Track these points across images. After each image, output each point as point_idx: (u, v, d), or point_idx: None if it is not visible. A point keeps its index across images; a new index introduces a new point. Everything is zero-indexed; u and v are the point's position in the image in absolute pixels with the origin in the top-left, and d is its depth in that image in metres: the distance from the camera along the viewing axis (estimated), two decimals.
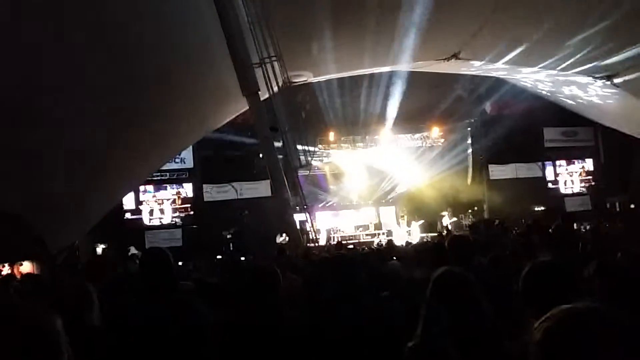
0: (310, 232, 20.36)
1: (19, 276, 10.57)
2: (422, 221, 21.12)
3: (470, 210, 21.58)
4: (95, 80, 9.87)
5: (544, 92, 19.38)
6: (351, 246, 16.18)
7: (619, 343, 1.13)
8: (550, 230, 8.27)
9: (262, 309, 3.60)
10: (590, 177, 25.06)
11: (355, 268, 4.12)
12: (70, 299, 3.87)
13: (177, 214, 21.31)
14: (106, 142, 11.82)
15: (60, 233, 13.33)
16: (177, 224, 21.22)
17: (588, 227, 14.14)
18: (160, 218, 21.15)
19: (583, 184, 25.03)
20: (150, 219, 21.06)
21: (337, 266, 4.10)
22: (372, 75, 18.92)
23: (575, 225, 11.27)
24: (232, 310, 4.03)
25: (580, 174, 25.06)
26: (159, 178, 20.72)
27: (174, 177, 21.34)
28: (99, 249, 18.32)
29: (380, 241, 18.16)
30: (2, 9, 7.13)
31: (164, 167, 19.64)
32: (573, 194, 24.83)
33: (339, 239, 18.33)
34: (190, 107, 13.13)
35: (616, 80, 14.79)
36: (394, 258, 7.45)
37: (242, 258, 11.93)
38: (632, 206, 20.85)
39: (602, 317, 1.19)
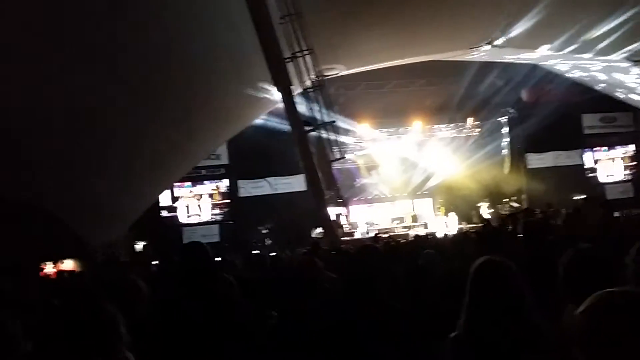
0: (345, 226, 20.38)
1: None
2: (459, 212, 20.92)
3: (507, 200, 21.27)
4: (133, 78, 10.04)
5: (581, 78, 18.96)
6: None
7: None
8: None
9: (304, 303, 3.60)
10: (631, 163, 24.42)
11: (386, 261, 4.11)
12: (125, 294, 3.97)
13: (215, 210, 21.53)
14: (144, 140, 12.03)
15: (100, 231, 13.61)
16: (215, 220, 21.44)
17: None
18: (197, 214, 21.40)
19: (624, 171, 24.41)
20: (188, 216, 21.32)
21: (367, 257, 4.10)
22: (405, 66, 18.74)
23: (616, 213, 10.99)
24: (273, 305, 4.04)
25: (621, 161, 24.44)
26: (195, 174, 20.93)
27: (210, 173, 21.54)
28: (139, 246, 18.60)
29: (417, 233, 18.03)
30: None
31: (200, 164, 19.83)
32: (614, 182, 24.24)
33: (376, 232, 18.25)
34: (226, 103, 13.25)
35: None
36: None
37: (273, 253, 11.94)
38: None
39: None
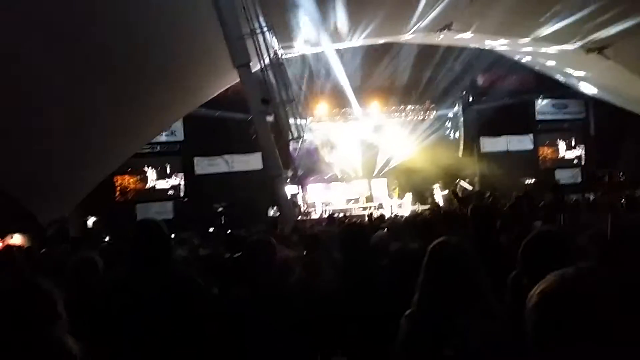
0: (301, 206, 20.40)
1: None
2: (413, 194, 21.19)
3: (459, 181, 21.65)
4: (88, 51, 9.78)
5: (535, 65, 19.33)
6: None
7: (612, 301, 1.15)
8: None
9: (257, 281, 3.61)
10: (580, 149, 25.13)
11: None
12: (78, 271, 3.90)
13: (167, 187, 21.26)
14: (97, 114, 11.75)
15: (50, 206, 13.30)
16: (166, 197, 21.18)
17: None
18: (148, 190, 21.09)
19: (573, 157, 25.11)
20: (139, 192, 21.00)
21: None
22: (365, 48, 18.76)
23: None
24: (231, 282, 4.04)
25: (570, 146, 25.12)
26: (148, 151, 20.59)
27: (165, 149, 21.22)
28: (90, 222, 18.27)
29: (371, 214, 18.19)
30: None
31: (154, 140, 19.53)
32: (563, 167, 24.93)
33: (331, 212, 18.33)
34: (180, 78, 13.02)
35: (607, 52, 14.74)
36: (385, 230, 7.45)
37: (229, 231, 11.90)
38: (622, 178, 20.95)
39: (595, 277, 1.21)
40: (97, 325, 2.95)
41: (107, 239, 12.34)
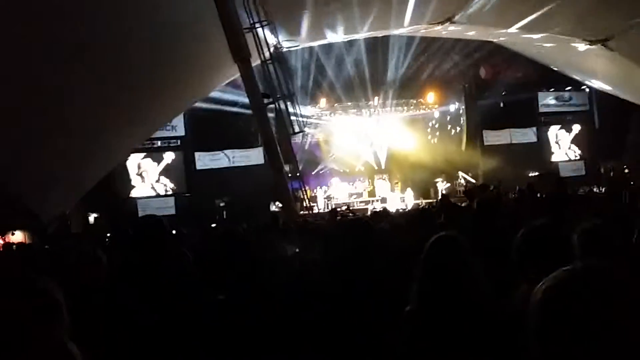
0: (304, 200, 20.34)
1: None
2: (416, 188, 21.14)
3: (463, 174, 21.60)
4: (89, 45, 9.71)
5: (538, 57, 19.19)
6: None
7: (618, 299, 1.12)
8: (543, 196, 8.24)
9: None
10: (584, 142, 25.01)
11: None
12: (84, 266, 3.83)
13: (167, 182, 21.23)
14: (96, 109, 11.69)
15: (51, 203, 13.27)
16: (171, 192, 21.16)
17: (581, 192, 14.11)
18: (152, 186, 21.06)
19: (577, 149, 25.00)
20: (142, 188, 20.96)
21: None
22: (366, 41, 18.67)
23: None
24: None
25: (574, 139, 25.01)
26: (149, 146, 20.54)
27: (166, 144, 21.17)
28: (91, 218, 18.27)
29: (374, 208, 18.14)
30: None
31: (155, 135, 19.46)
32: (567, 160, 24.83)
33: (333, 207, 18.28)
34: (181, 74, 12.94)
35: (611, 44, 14.60)
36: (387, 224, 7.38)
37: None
38: (627, 171, 20.86)
39: (601, 274, 1.18)
40: (100, 319, 2.90)
41: (109, 235, 12.31)
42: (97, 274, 3.77)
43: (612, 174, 21.83)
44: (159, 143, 20.99)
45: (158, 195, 20.98)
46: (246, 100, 12.98)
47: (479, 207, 4.49)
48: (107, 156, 14.87)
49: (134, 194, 20.79)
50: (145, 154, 20.73)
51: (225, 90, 17.93)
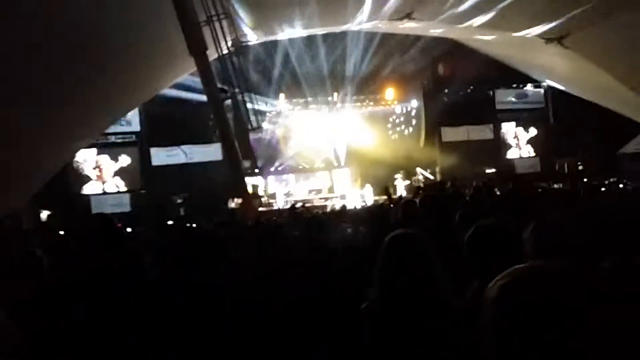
0: (262, 197, 20.20)
1: None
2: (375, 184, 21.16)
3: (421, 171, 21.75)
4: (41, 37, 9.36)
5: (496, 54, 19.40)
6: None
7: (576, 297, 1.11)
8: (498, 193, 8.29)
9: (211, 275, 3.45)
10: (539, 139, 25.46)
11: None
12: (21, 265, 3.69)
13: (122, 179, 20.75)
14: (47, 103, 11.32)
15: (2, 199, 12.83)
16: (123, 189, 20.68)
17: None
18: (104, 182, 20.56)
19: (533, 146, 25.43)
20: (95, 184, 20.45)
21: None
22: (325, 36, 18.59)
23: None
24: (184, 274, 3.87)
25: (530, 136, 25.43)
26: (103, 142, 20.04)
27: (120, 140, 20.69)
28: (44, 215, 17.74)
29: (333, 205, 18.10)
30: None
31: (109, 130, 18.97)
32: (523, 157, 25.25)
33: (292, 203, 18.16)
34: (135, 66, 12.62)
35: (566, 42, 14.82)
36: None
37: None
38: (580, 168, 21.32)
39: (558, 272, 1.17)
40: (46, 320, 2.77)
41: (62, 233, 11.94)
42: (37, 275, 3.63)
43: (567, 170, 22.29)
44: (114, 138, 20.51)
45: (113, 192, 20.48)
46: (203, 96, 12.74)
47: (422, 204, 4.50)
48: (60, 152, 14.46)
49: (88, 191, 20.25)
50: (99, 149, 20.20)
51: (182, 85, 17.57)
